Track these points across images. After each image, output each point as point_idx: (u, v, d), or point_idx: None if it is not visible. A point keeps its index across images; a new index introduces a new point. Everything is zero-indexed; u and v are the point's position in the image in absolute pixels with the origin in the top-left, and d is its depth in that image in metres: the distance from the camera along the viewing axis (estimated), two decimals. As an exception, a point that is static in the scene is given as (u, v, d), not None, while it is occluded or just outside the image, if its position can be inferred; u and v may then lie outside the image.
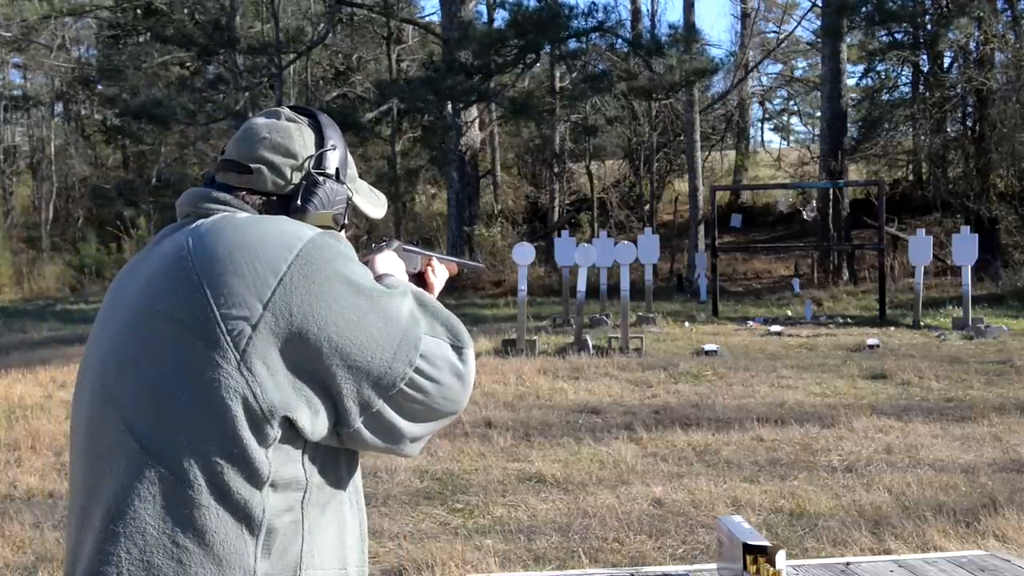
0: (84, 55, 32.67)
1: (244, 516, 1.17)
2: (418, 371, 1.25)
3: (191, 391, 1.16)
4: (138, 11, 24.43)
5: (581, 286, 11.71)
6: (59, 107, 32.11)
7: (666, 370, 9.34)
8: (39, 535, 4.70)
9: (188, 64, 25.98)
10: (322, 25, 23.51)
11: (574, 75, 22.14)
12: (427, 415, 1.29)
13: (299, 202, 1.32)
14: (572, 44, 20.10)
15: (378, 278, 1.34)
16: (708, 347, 10.54)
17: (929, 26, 19.39)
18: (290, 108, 1.41)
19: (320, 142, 1.36)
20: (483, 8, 24.79)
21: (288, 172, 1.33)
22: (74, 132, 30.12)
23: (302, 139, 1.35)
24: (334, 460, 1.28)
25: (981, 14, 18.18)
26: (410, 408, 1.26)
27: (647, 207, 22.87)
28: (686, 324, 13.37)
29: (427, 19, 30.18)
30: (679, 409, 7.49)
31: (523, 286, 11.82)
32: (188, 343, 1.17)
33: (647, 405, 7.77)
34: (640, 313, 13.77)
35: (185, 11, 23.48)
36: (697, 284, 17.72)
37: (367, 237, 25.93)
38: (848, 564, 2.57)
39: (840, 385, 8.44)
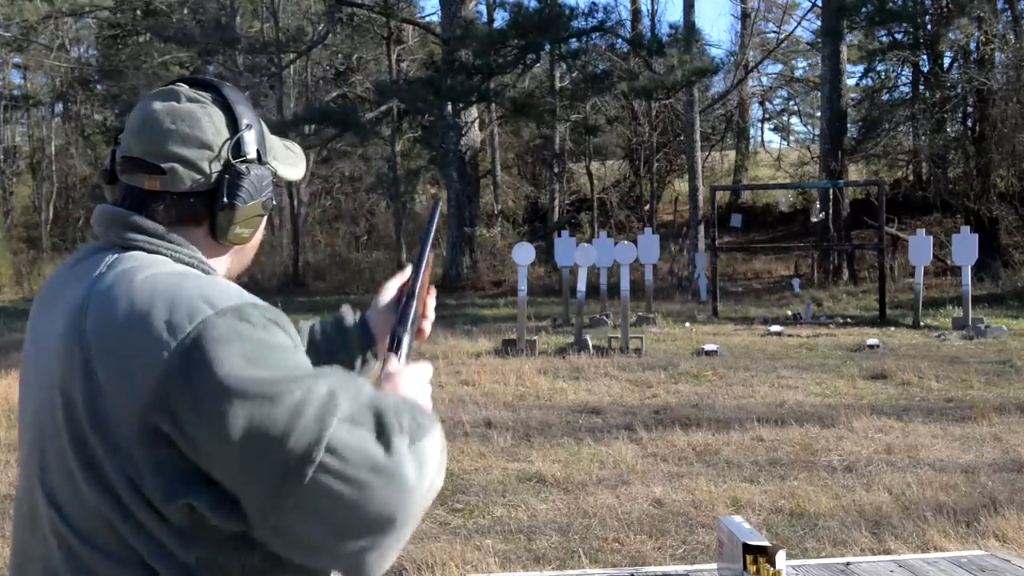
0: (84, 55, 32.69)
1: None
2: (323, 468, 1.03)
3: (90, 473, 1.09)
4: (138, 11, 24.45)
5: (581, 286, 11.71)
6: (59, 107, 32.12)
7: (666, 370, 9.34)
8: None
9: (188, 64, 25.99)
10: (322, 25, 23.53)
11: (574, 75, 22.15)
12: (349, 521, 1.05)
13: (225, 199, 1.19)
14: (572, 44, 20.09)
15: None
16: (708, 347, 10.54)
17: (929, 26, 19.39)
18: (186, 82, 1.25)
19: (232, 122, 1.22)
20: (483, 8, 24.81)
21: (206, 166, 1.19)
22: (74, 132, 30.11)
23: (212, 124, 1.20)
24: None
25: (981, 14, 18.18)
26: (321, 513, 1.05)
27: (647, 207, 22.88)
28: (686, 324, 13.38)
29: (427, 19, 30.21)
30: (679, 409, 7.49)
31: (523, 286, 11.82)
32: (79, 424, 1.09)
33: (647, 405, 7.77)
34: (640, 313, 13.78)
35: (185, 11, 23.51)
36: (697, 284, 17.72)
37: (367, 237, 25.96)
38: (848, 564, 2.57)
39: (840, 385, 8.44)
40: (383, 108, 21.23)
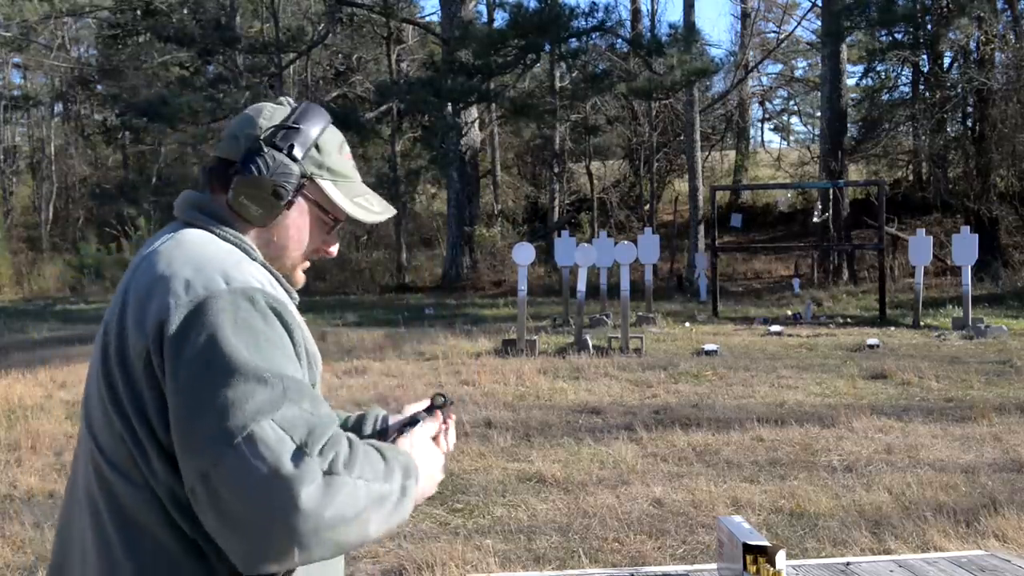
0: (84, 55, 32.68)
1: (190, 525, 1.22)
2: (236, 450, 1.12)
3: (115, 406, 1.25)
4: (138, 11, 24.43)
5: (581, 286, 11.71)
6: (59, 107, 32.11)
7: (666, 370, 9.34)
8: (39, 535, 4.70)
9: (188, 64, 25.99)
10: (322, 25, 23.53)
11: (574, 75, 22.14)
12: (239, 511, 1.12)
13: (238, 164, 1.36)
14: (572, 44, 20.08)
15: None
16: (708, 347, 10.54)
17: (929, 26, 19.39)
18: (301, 101, 1.45)
19: (286, 119, 1.40)
20: (483, 8, 24.81)
21: (242, 140, 1.37)
22: (74, 132, 30.12)
23: (270, 115, 1.40)
24: None
25: (981, 14, 18.17)
26: (220, 494, 1.12)
27: (647, 207, 22.88)
28: (686, 324, 13.38)
29: (427, 19, 30.20)
30: (679, 409, 7.49)
31: (523, 286, 11.82)
32: (109, 362, 1.25)
33: (647, 405, 7.77)
34: (640, 313, 13.77)
35: (185, 11, 23.49)
36: (697, 284, 17.72)
37: (367, 237, 25.97)
38: (848, 564, 2.57)
39: (840, 385, 8.44)
40: (383, 108, 21.23)
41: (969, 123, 20.97)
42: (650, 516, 4.83)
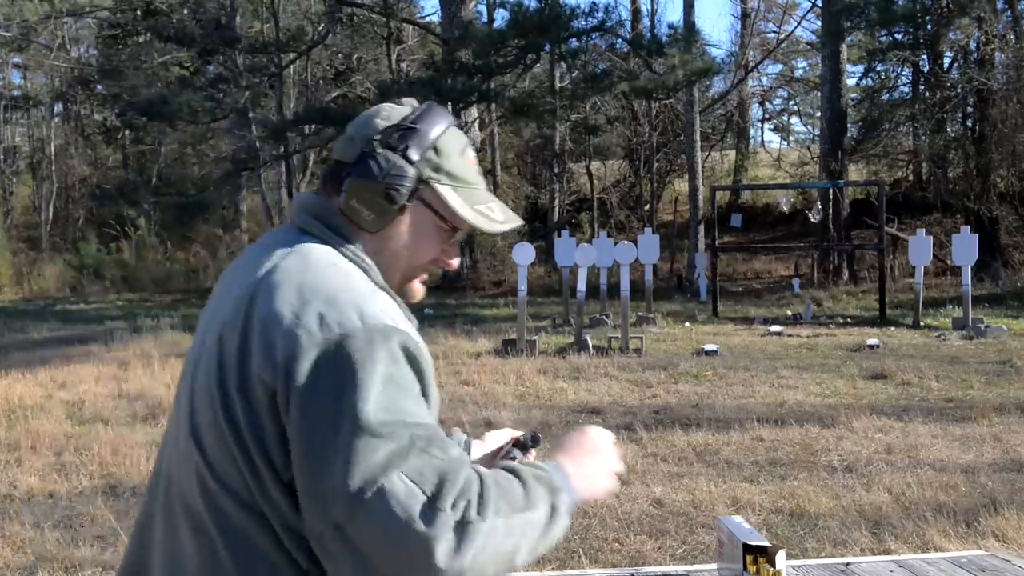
0: (84, 55, 32.68)
1: (296, 554, 1.19)
2: (370, 506, 1.10)
3: (233, 428, 1.19)
4: (138, 11, 24.42)
5: (581, 286, 11.71)
6: (59, 107, 32.10)
7: (666, 370, 9.34)
8: (39, 535, 4.70)
9: (188, 64, 25.98)
10: (322, 25, 23.52)
11: (574, 75, 22.14)
12: (376, 566, 1.11)
13: (352, 165, 1.30)
14: (572, 44, 20.07)
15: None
16: (708, 347, 10.54)
17: (929, 26, 19.38)
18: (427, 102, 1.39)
19: (404, 119, 1.34)
20: (483, 8, 24.81)
21: (357, 141, 1.32)
22: (74, 132, 30.11)
23: (388, 115, 1.34)
24: None
25: (981, 14, 18.17)
26: (357, 548, 1.11)
27: (647, 207, 22.87)
28: (686, 324, 13.37)
29: (427, 19, 30.21)
30: (679, 409, 7.49)
31: (523, 286, 11.82)
32: (227, 384, 1.19)
33: (647, 405, 7.77)
34: (640, 313, 13.77)
35: (185, 11, 23.49)
36: (697, 284, 17.72)
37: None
38: (848, 564, 2.57)
39: (840, 385, 8.44)
40: (383, 108, 21.19)
41: (969, 123, 20.97)
42: (650, 516, 4.83)
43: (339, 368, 1.13)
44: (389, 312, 1.22)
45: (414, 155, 1.30)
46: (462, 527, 1.11)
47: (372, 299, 1.22)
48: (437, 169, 1.33)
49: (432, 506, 1.10)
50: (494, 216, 1.38)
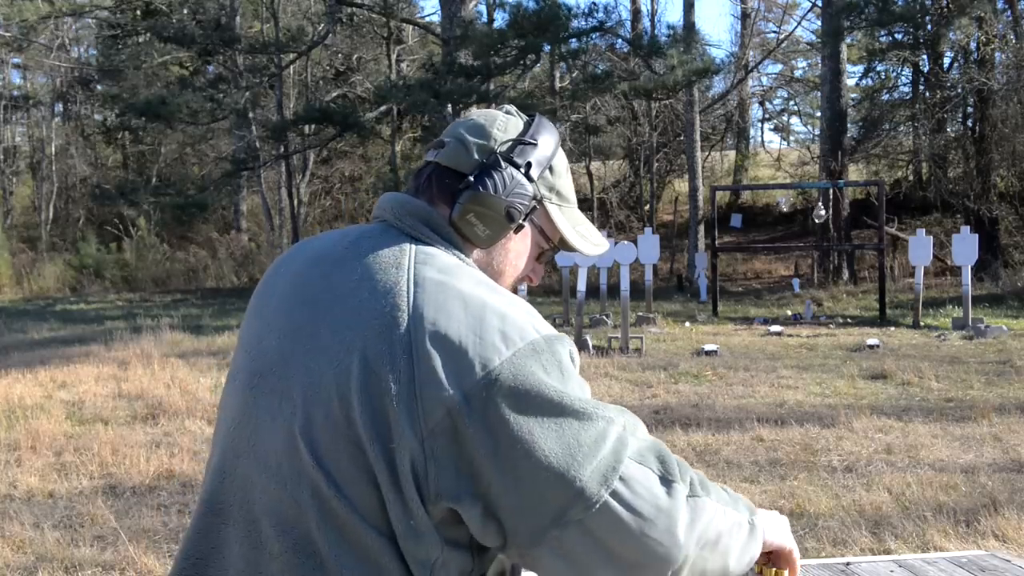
0: (84, 55, 32.68)
1: None
2: (615, 495, 1.10)
3: (381, 447, 1.11)
4: (138, 11, 24.43)
5: (581, 286, 11.71)
6: (59, 107, 32.10)
7: (666, 370, 9.34)
8: (39, 535, 4.70)
9: (188, 64, 25.99)
10: (322, 25, 23.51)
11: (574, 75, 22.14)
12: (627, 553, 1.12)
13: (471, 178, 1.25)
14: (572, 44, 20.07)
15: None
16: (708, 347, 10.54)
17: (929, 26, 19.39)
18: (520, 111, 1.35)
19: (524, 134, 1.30)
20: (483, 8, 24.80)
21: (475, 150, 1.27)
22: (74, 132, 30.10)
23: (504, 126, 1.29)
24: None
25: (981, 14, 18.17)
26: (601, 539, 1.11)
27: (647, 207, 22.88)
28: (686, 324, 13.37)
29: (427, 19, 30.21)
30: (679, 409, 7.49)
31: (523, 286, 11.80)
32: (382, 401, 1.11)
33: (647, 405, 7.77)
34: (640, 313, 13.77)
35: (185, 11, 23.49)
36: (697, 284, 17.72)
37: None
38: (848, 564, 2.57)
39: (840, 385, 8.44)
40: (383, 108, 21.22)
41: (969, 123, 20.97)
42: (650, 516, 4.82)
43: (537, 377, 1.11)
44: (543, 319, 1.21)
45: (535, 173, 1.28)
46: (693, 499, 1.15)
47: (529, 308, 1.20)
48: (551, 188, 1.32)
49: (666, 480, 1.14)
50: (592, 239, 1.38)
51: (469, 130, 1.29)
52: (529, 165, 1.27)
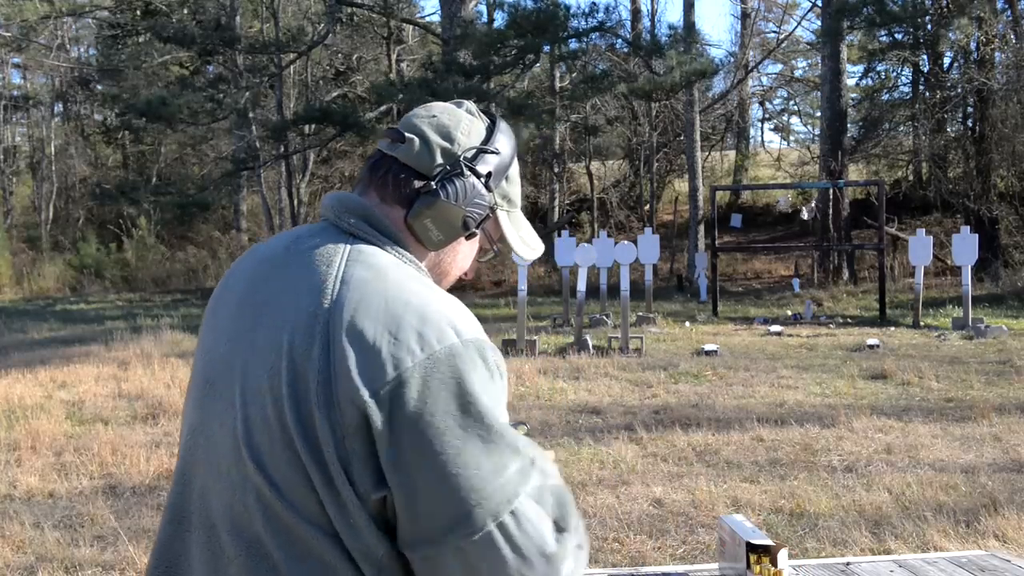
0: (84, 55, 32.68)
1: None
2: (501, 528, 1.08)
3: (310, 447, 1.11)
4: (138, 11, 24.44)
5: (581, 286, 11.71)
6: (59, 107, 32.11)
7: (666, 370, 9.34)
8: (39, 535, 4.70)
9: (188, 64, 25.98)
10: (322, 25, 23.51)
11: (574, 75, 22.14)
12: None
13: (432, 184, 1.24)
14: (572, 44, 20.08)
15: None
16: (708, 347, 10.54)
17: (929, 26, 19.39)
18: (479, 107, 1.34)
19: (487, 141, 1.29)
20: (483, 8, 24.80)
21: (438, 153, 1.25)
22: (74, 132, 30.10)
23: (467, 129, 1.28)
24: None
25: (981, 14, 18.17)
26: (476, 569, 1.09)
27: (647, 207, 22.88)
28: (686, 324, 13.37)
29: (427, 19, 30.21)
30: (679, 409, 7.49)
31: (523, 286, 11.82)
32: (307, 400, 1.11)
33: (647, 405, 7.77)
34: (640, 313, 13.77)
35: (185, 11, 23.49)
36: (697, 284, 17.72)
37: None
38: (848, 564, 2.57)
39: (840, 385, 8.44)
40: (383, 108, 21.22)
41: (969, 123, 20.98)
42: (650, 516, 4.82)
43: (449, 386, 1.10)
44: (473, 322, 1.19)
45: (493, 183, 1.29)
46: (578, 551, 1.15)
47: (458, 310, 1.18)
48: (505, 197, 1.33)
49: (559, 528, 1.12)
50: (532, 244, 1.39)
51: (433, 129, 1.27)
52: (490, 175, 1.28)
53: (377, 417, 1.08)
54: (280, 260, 1.25)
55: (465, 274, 1.38)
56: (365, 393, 1.08)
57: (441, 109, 1.30)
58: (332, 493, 1.10)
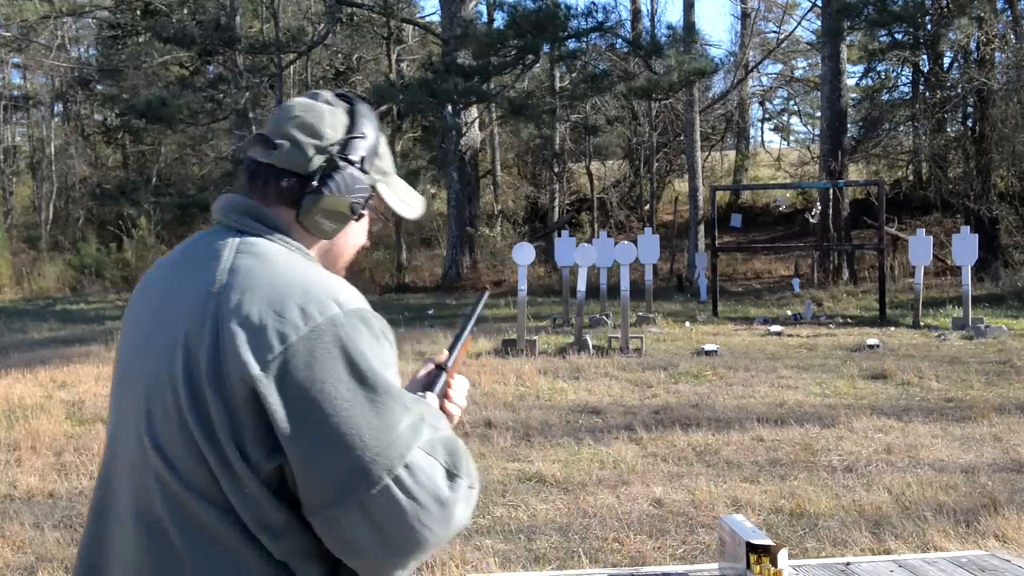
0: (84, 55, 32.67)
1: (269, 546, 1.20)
2: (397, 481, 1.16)
3: (203, 427, 1.18)
4: (138, 11, 24.44)
5: (581, 286, 11.71)
6: (59, 107, 32.11)
7: (666, 370, 9.34)
8: (39, 535, 4.70)
9: (188, 64, 25.98)
10: (322, 25, 23.52)
11: (574, 75, 22.14)
12: (394, 536, 1.17)
13: (315, 183, 1.30)
14: (572, 44, 20.08)
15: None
16: (708, 347, 10.53)
17: (929, 26, 19.39)
18: (335, 94, 1.40)
19: (351, 128, 1.35)
20: (483, 8, 24.80)
21: (311, 152, 1.31)
22: (74, 132, 30.10)
23: (332, 122, 1.34)
24: None
25: (981, 14, 18.18)
26: (378, 520, 1.16)
27: (647, 207, 22.88)
28: (686, 324, 13.37)
29: (427, 19, 30.21)
30: (679, 409, 7.49)
31: (523, 286, 11.82)
32: (199, 381, 1.19)
33: (647, 405, 7.77)
34: (640, 313, 13.77)
35: (185, 11, 23.49)
36: (697, 284, 17.72)
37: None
38: (848, 564, 2.57)
39: (840, 385, 8.44)
40: (383, 108, 21.22)
41: (969, 123, 20.98)
42: (650, 516, 4.83)
43: (333, 354, 1.17)
44: (357, 295, 1.26)
45: (368, 165, 1.35)
46: (470, 491, 1.23)
47: (340, 285, 1.25)
48: (381, 172, 1.39)
49: (451, 475, 1.20)
50: (412, 202, 1.46)
51: (301, 130, 1.32)
52: (363, 160, 1.34)
53: (267, 391, 1.15)
54: (176, 262, 1.34)
55: (364, 246, 1.46)
56: (255, 369, 1.15)
57: (302, 107, 1.35)
58: (226, 468, 1.17)
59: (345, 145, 1.33)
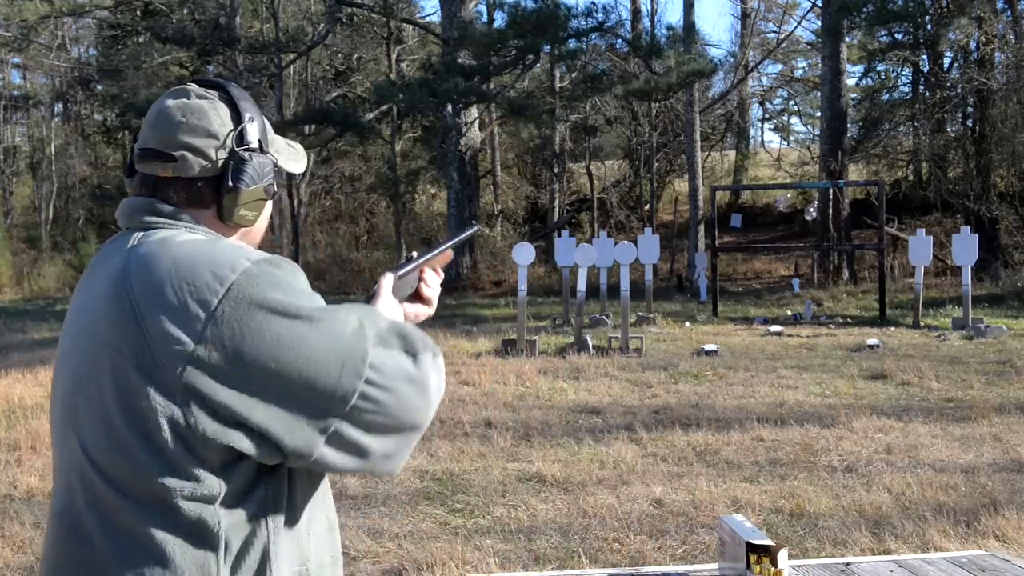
0: (84, 55, 32.67)
1: (198, 532, 1.18)
2: (369, 382, 1.20)
3: (130, 418, 1.17)
4: (138, 11, 24.44)
5: (581, 286, 11.71)
6: (59, 107, 32.11)
7: (666, 370, 9.34)
8: (39, 535, 4.70)
9: (188, 64, 25.98)
10: (322, 25, 23.52)
11: (574, 75, 22.14)
12: (389, 427, 1.23)
13: (230, 183, 1.30)
14: (572, 44, 20.08)
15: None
16: (708, 347, 10.53)
17: (929, 26, 19.39)
18: (195, 82, 1.38)
19: (236, 116, 1.34)
20: (483, 8, 24.81)
21: (213, 153, 1.31)
22: (74, 132, 30.11)
23: (218, 116, 1.32)
24: (297, 472, 1.28)
25: (981, 14, 18.18)
26: (370, 422, 1.21)
27: (647, 207, 22.88)
28: (686, 324, 13.37)
29: (427, 19, 30.21)
30: (679, 409, 7.49)
31: (523, 286, 11.82)
32: (125, 373, 1.18)
33: (647, 405, 7.77)
34: (640, 313, 13.77)
35: (185, 11, 23.49)
36: (697, 284, 17.72)
37: (367, 237, 25.97)
38: (848, 564, 2.57)
39: (840, 385, 8.44)
40: (383, 108, 21.23)
41: (969, 123, 20.98)
42: (650, 516, 4.82)
43: (257, 303, 1.17)
44: (263, 253, 1.27)
45: (267, 146, 1.37)
46: (435, 359, 1.28)
47: (246, 248, 1.27)
48: (272, 145, 1.40)
49: (411, 353, 1.25)
50: (298, 155, 1.47)
51: (193, 134, 1.30)
52: (261, 143, 1.36)
53: (208, 359, 1.15)
54: (89, 269, 1.35)
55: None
56: (188, 345, 1.15)
57: (182, 110, 1.32)
58: (156, 456, 1.16)
59: (240, 135, 1.33)
